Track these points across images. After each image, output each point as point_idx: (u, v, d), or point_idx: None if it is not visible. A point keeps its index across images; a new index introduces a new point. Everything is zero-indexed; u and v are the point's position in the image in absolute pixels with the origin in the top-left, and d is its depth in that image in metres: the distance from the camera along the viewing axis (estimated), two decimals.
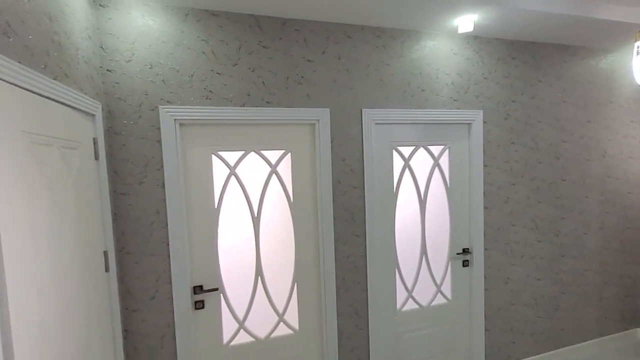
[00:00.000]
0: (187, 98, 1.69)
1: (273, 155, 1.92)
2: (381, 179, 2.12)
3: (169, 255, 1.69)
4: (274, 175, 1.92)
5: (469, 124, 2.27)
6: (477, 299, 2.34)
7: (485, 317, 2.38)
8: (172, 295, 1.71)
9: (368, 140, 2.03)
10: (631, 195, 2.79)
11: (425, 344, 2.28)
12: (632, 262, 2.83)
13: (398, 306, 2.20)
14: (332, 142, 1.97)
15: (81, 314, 1.22)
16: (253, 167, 1.89)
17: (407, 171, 2.19)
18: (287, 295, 1.97)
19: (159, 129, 1.65)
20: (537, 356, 2.54)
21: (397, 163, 2.17)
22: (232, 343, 1.88)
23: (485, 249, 2.36)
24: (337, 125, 1.98)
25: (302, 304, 1.99)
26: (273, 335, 1.95)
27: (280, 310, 1.96)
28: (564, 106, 2.51)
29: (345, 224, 2.03)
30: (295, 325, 1.99)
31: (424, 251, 2.24)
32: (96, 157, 1.44)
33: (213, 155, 1.80)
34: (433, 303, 2.29)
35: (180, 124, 1.70)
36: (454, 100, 2.22)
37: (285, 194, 1.95)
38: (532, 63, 2.40)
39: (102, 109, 1.52)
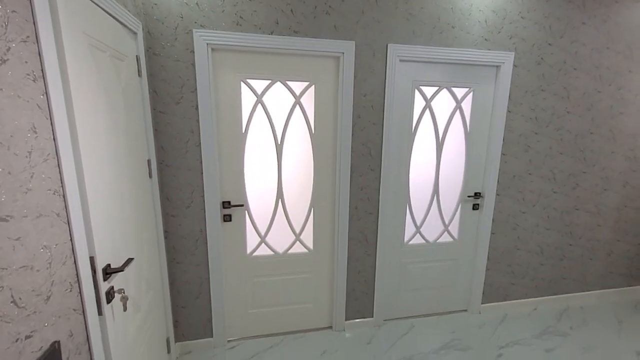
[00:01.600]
0: (219, 23, 1.77)
1: (298, 86, 2.00)
2: (401, 117, 2.18)
3: (202, 172, 1.90)
4: (297, 106, 2.03)
5: (497, 66, 2.22)
6: (482, 241, 2.47)
7: (488, 258, 2.53)
8: (204, 206, 1.95)
9: (391, 77, 2.05)
10: None
11: (427, 275, 2.48)
12: None
13: (406, 239, 2.37)
14: (355, 76, 2.02)
15: (132, 211, 1.45)
16: (278, 97, 2.00)
17: (427, 112, 2.22)
18: (304, 217, 2.18)
19: (192, 52, 1.77)
20: (535, 299, 2.70)
21: (418, 103, 2.20)
22: (255, 254, 2.15)
23: (497, 195, 2.43)
24: (362, 59, 2.01)
25: (317, 227, 2.20)
26: (290, 251, 2.20)
27: (297, 231, 2.18)
28: (607, 53, 2.36)
29: (362, 158, 2.14)
30: (310, 245, 2.22)
31: (436, 191, 2.35)
32: (139, 74, 1.59)
33: (242, 82, 1.91)
34: (439, 240, 2.45)
35: (212, 49, 1.81)
36: (485, 40, 2.15)
37: (307, 125, 2.06)
38: (578, 2, 2.23)
39: (142, 29, 1.64)
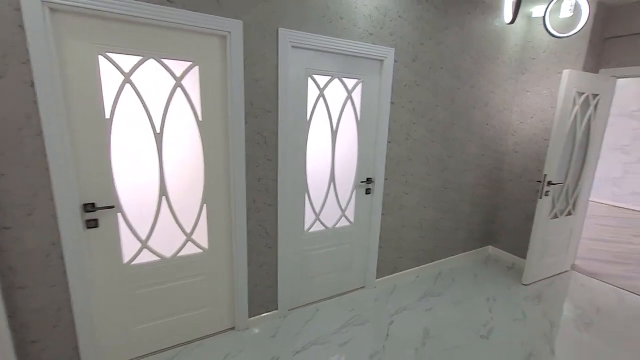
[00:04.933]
0: None
1: (178, 66, 1.74)
2: (296, 105, 2.14)
3: (47, 168, 1.49)
4: (179, 90, 1.77)
5: (381, 61, 2.39)
6: (375, 223, 2.68)
7: (380, 237, 2.77)
8: (55, 212, 1.53)
9: (284, 63, 1.99)
10: (501, 142, 3.40)
11: (328, 260, 2.57)
12: (495, 195, 3.54)
13: (306, 227, 2.39)
14: (245, 59, 1.87)
15: None
16: (154, 78, 1.70)
17: (321, 101, 2.24)
18: (195, 215, 1.95)
19: (19, 10, 1.33)
20: (417, 268, 3.11)
21: (312, 92, 2.20)
22: (135, 262, 1.83)
23: (386, 179, 2.66)
24: (252, 42, 1.87)
25: (212, 224, 2.01)
26: (181, 254, 1.95)
27: (189, 230, 1.95)
28: (463, 56, 2.81)
29: (258, 147, 2.03)
30: (205, 244, 2.02)
31: (332, 178, 2.42)
32: None
33: (101, 57, 1.55)
34: (337, 225, 2.55)
35: (52, 9, 1.40)
36: (370, 34, 2.28)
37: (193, 112, 1.83)
38: (442, 9, 2.57)
39: None
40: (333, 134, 2.35)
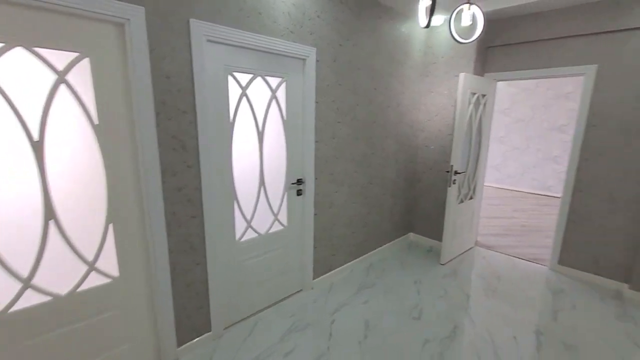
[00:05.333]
0: None
1: (59, 57, 1.41)
2: (216, 105, 1.96)
3: None
4: (63, 86, 1.43)
5: (303, 59, 2.36)
6: (307, 223, 2.65)
7: (314, 237, 2.75)
8: None
9: (199, 58, 1.79)
10: (414, 138, 3.73)
11: (264, 268, 2.44)
12: (411, 187, 3.88)
13: (237, 236, 2.22)
14: (151, 52, 1.62)
15: None
16: (27, 71, 1.34)
17: (244, 100, 2.10)
18: (99, 238, 1.62)
19: None
20: (350, 263, 3.20)
21: (234, 90, 2.05)
22: (14, 309, 1.42)
23: (316, 179, 2.65)
24: (158, 33, 1.63)
25: (122, 247, 1.69)
26: (82, 288, 1.59)
27: (91, 258, 1.60)
28: (377, 58, 2.98)
29: (175, 153, 1.79)
30: (114, 272, 1.69)
31: (262, 182, 2.30)
32: None
33: None
34: (271, 230, 2.44)
35: None
36: (291, 32, 2.23)
37: (86, 113, 1.51)
38: (356, 11, 2.68)
39: None
40: (259, 135, 2.23)
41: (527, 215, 5.31)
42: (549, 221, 5.02)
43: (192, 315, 2.03)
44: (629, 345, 2.18)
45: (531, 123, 6.84)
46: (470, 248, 3.83)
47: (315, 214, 2.72)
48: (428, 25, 1.51)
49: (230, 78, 2.00)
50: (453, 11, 1.71)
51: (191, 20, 1.73)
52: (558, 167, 6.64)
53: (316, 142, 2.59)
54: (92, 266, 1.61)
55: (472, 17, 1.71)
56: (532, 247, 3.90)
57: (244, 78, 2.08)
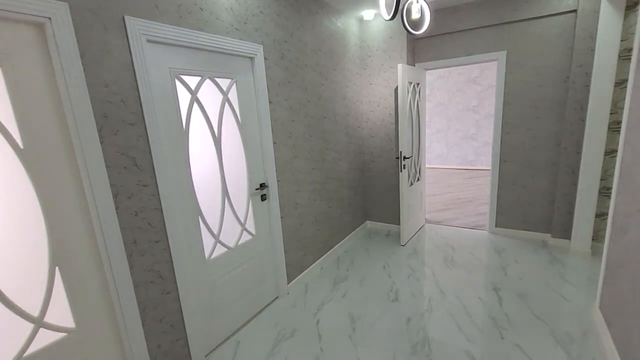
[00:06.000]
0: None
1: None
2: (167, 113, 1.75)
3: None
4: None
5: (251, 57, 2.25)
6: (276, 228, 2.56)
7: (283, 241, 2.67)
8: None
9: (140, 61, 1.57)
10: (360, 129, 3.87)
11: (238, 282, 2.28)
12: (364, 176, 4.02)
13: (207, 255, 2.03)
14: (82, 56, 1.37)
15: None
16: None
17: (195, 105, 1.92)
18: (44, 285, 1.32)
19: None
20: (319, 260, 3.19)
21: (184, 95, 1.85)
22: None
23: (278, 181, 2.57)
24: (89, 33, 1.38)
25: (75, 292, 1.41)
26: (30, 352, 1.29)
27: (37, 313, 1.30)
28: (320, 53, 3.00)
29: (127, 172, 1.55)
30: (69, 323, 1.40)
31: (225, 192, 2.14)
32: None
33: None
34: (240, 242, 2.29)
35: None
36: (236, 29, 2.10)
37: (5, 137, 1.20)
38: (296, 7, 2.64)
39: None
40: (216, 141, 2.06)
41: (459, 189, 5.96)
42: (477, 191, 5.71)
43: (169, 352, 1.80)
44: (561, 282, 2.61)
45: (449, 106, 7.65)
46: (422, 226, 4.15)
47: (282, 217, 2.64)
48: (393, 17, 1.56)
49: (177, 82, 1.80)
50: (404, 5, 1.79)
51: (126, 17, 1.50)
52: (475, 144, 7.57)
53: (274, 143, 2.50)
54: (40, 321, 1.31)
55: (420, 10, 1.83)
56: (471, 216, 4.39)
57: (192, 81, 1.89)
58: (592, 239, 3.08)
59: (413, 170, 3.75)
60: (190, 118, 1.88)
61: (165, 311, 1.77)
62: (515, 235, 3.61)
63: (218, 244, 2.12)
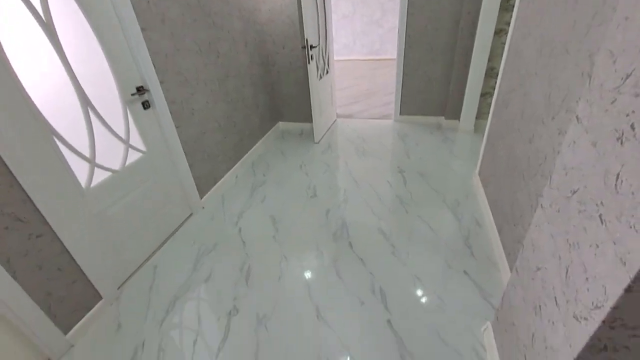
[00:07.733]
0: None
1: None
2: None
3: None
4: None
5: None
6: (172, 140, 2.18)
7: (185, 154, 2.34)
8: None
9: None
10: (258, 12, 3.24)
11: (139, 207, 1.98)
12: (269, 72, 3.60)
13: (83, 183, 1.63)
14: None
15: None
16: None
17: None
18: None
19: None
20: (232, 169, 2.99)
21: None
22: None
23: (161, 82, 2.06)
24: None
25: None
26: None
27: None
28: None
29: None
30: None
31: (86, 101, 1.61)
32: None
33: None
34: (128, 162, 1.89)
35: None
36: None
37: None
38: None
39: None
40: (47, 30, 1.41)
41: (366, 81, 6.00)
42: (383, 83, 5.84)
43: (65, 297, 1.55)
44: (451, 157, 3.02)
45: None
46: (335, 121, 4.15)
47: (177, 127, 2.23)
48: None
49: None
50: None
51: None
52: (381, 30, 7.40)
53: (143, 29, 1.89)
54: None
55: None
56: (378, 107, 4.55)
57: None
58: (476, 118, 3.52)
59: (321, 61, 3.48)
60: None
61: (42, 256, 1.44)
62: (416, 121, 3.91)
63: (97, 169, 1.70)
